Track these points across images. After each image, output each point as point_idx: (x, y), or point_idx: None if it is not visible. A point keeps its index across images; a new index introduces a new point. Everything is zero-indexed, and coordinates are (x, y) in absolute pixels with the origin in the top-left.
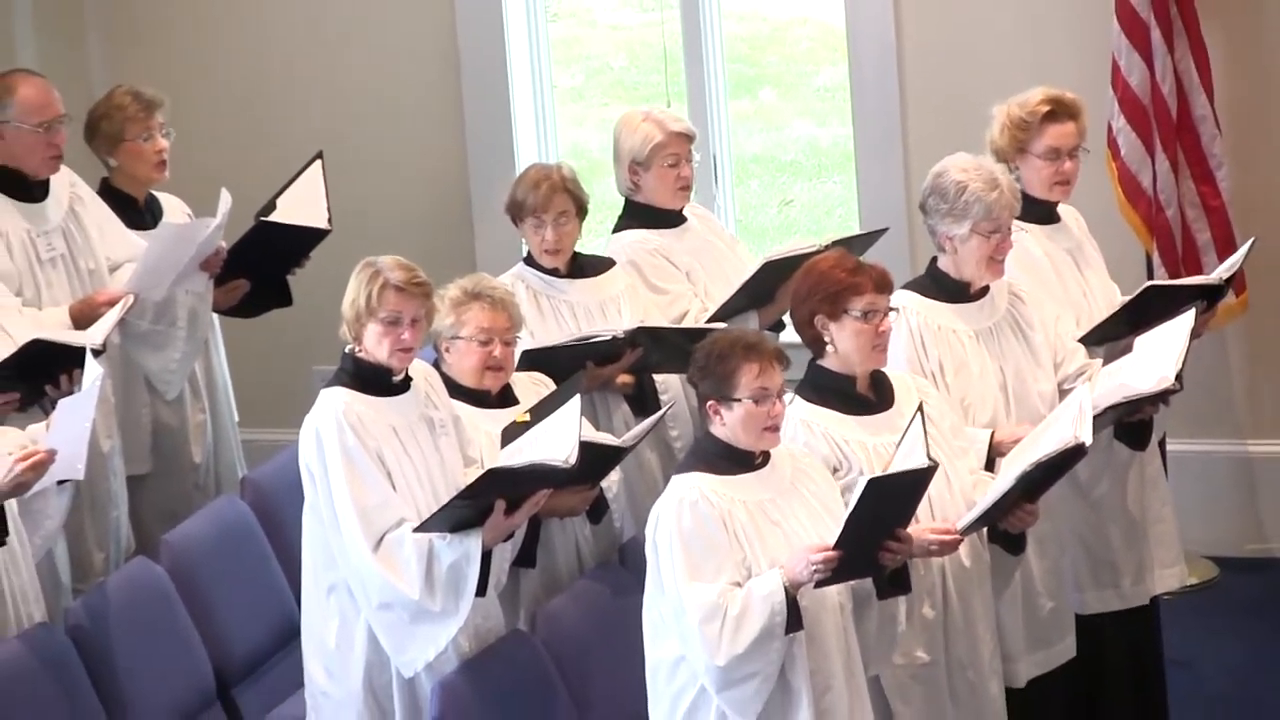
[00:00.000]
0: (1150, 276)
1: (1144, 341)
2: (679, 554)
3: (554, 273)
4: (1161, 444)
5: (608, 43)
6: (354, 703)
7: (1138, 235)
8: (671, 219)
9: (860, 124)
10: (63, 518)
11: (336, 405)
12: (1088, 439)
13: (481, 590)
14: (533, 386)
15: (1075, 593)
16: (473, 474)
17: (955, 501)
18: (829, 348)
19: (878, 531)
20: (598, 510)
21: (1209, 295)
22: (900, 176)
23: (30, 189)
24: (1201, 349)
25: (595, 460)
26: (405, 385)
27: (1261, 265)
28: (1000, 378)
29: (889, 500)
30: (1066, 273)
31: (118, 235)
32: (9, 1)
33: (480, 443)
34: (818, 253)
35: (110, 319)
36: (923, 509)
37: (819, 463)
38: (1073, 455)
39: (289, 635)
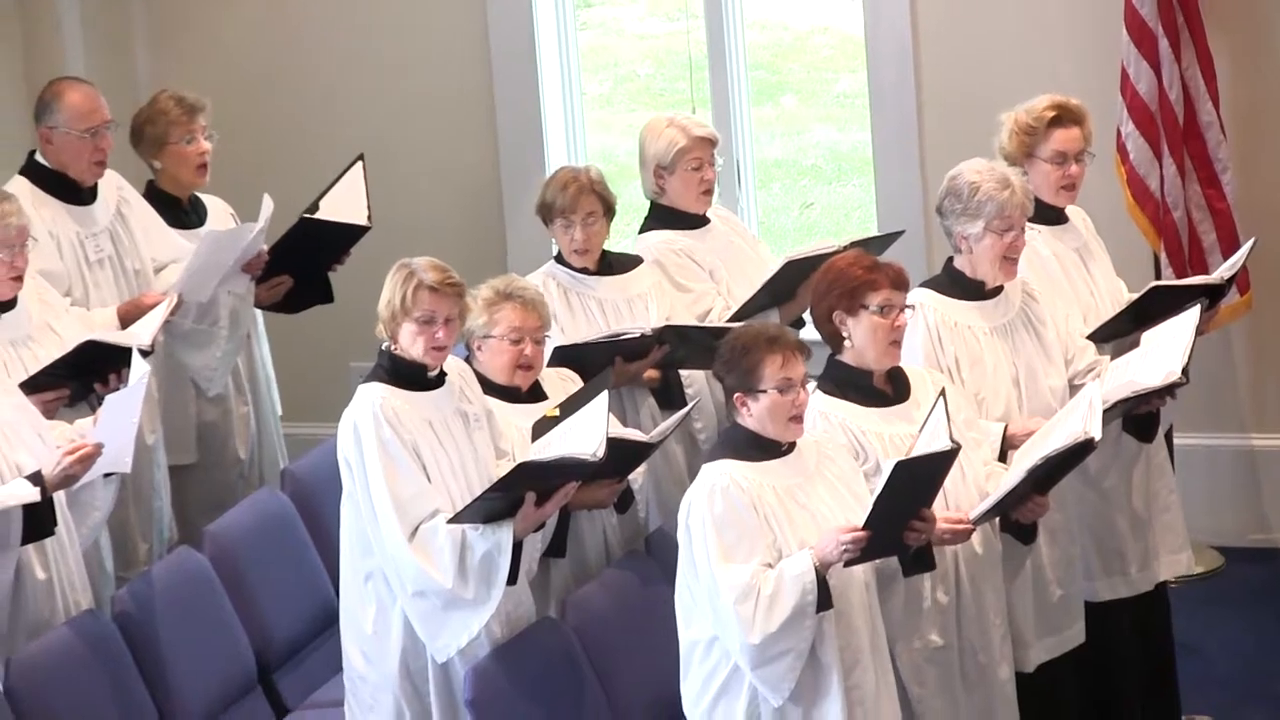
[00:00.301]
0: (1158, 276)
1: (1151, 337)
2: (712, 537)
3: (583, 271)
4: (1168, 436)
5: (635, 51)
6: (390, 686)
7: (1146, 236)
8: (695, 221)
9: (878, 130)
10: (109, 509)
11: (374, 400)
12: (1097, 434)
13: (513, 579)
14: (560, 382)
15: (1085, 581)
16: (504, 467)
17: (969, 491)
18: (846, 343)
19: (903, 512)
20: (624, 501)
21: (1211, 295)
22: (917, 180)
23: (79, 192)
24: (1207, 346)
25: (624, 455)
26: (440, 380)
27: (1265, 265)
28: (1013, 373)
29: (914, 482)
30: (1074, 272)
31: (162, 237)
32: (58, 12)
33: (511, 437)
34: (837, 253)
35: (156, 319)
36: (938, 499)
37: (842, 448)
38: (1082, 450)
39: (327, 621)
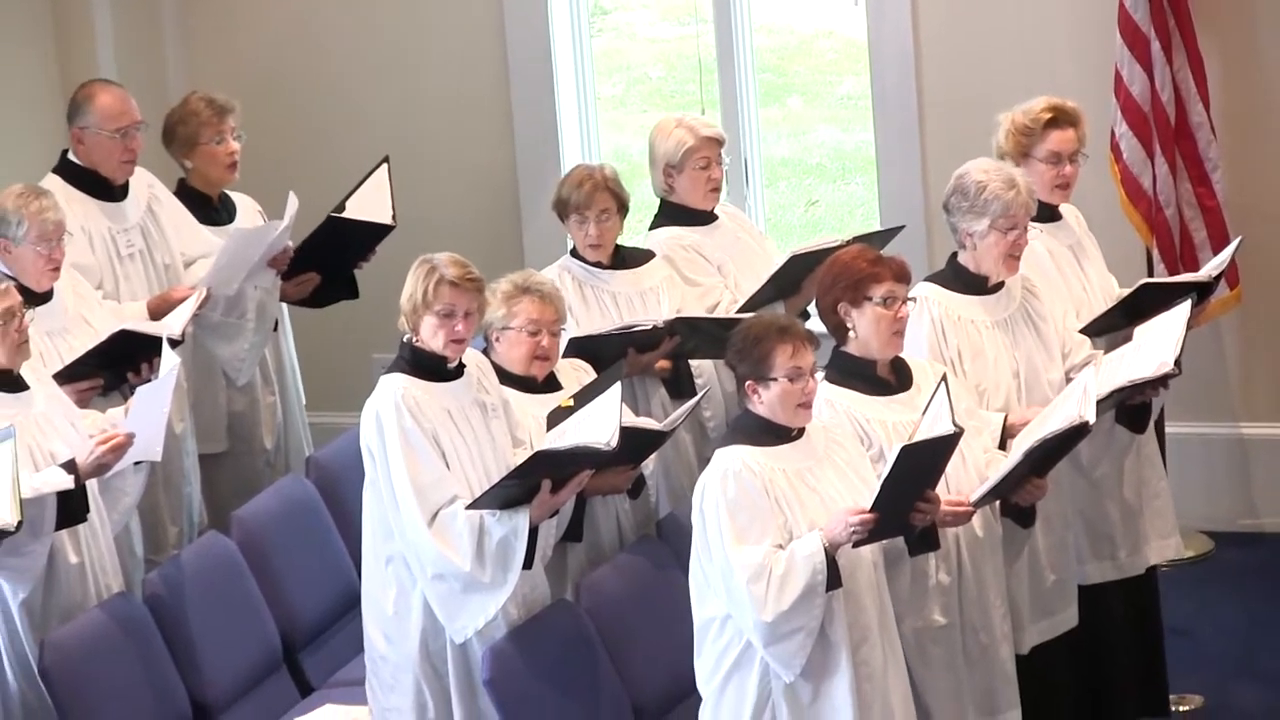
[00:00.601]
0: (1150, 272)
1: (1144, 330)
2: (725, 520)
3: (597, 265)
4: (1159, 426)
5: (646, 54)
6: (410, 666)
7: (1139, 233)
8: (704, 218)
9: (881, 130)
10: (139, 495)
11: (395, 390)
12: (1091, 418)
13: (529, 563)
14: (574, 373)
15: (1077, 565)
16: (521, 455)
17: (970, 477)
18: (851, 334)
19: (909, 494)
20: (636, 487)
21: (1200, 290)
22: (918, 179)
23: (111, 189)
24: (1198, 338)
25: (638, 443)
26: (459, 372)
27: (1254, 261)
28: (1014, 365)
29: (919, 465)
30: (1067, 268)
31: (192, 233)
32: (91, 16)
33: (528, 426)
34: (840, 247)
35: (186, 311)
36: (939, 484)
37: (850, 433)
38: (1077, 433)
39: (350, 604)
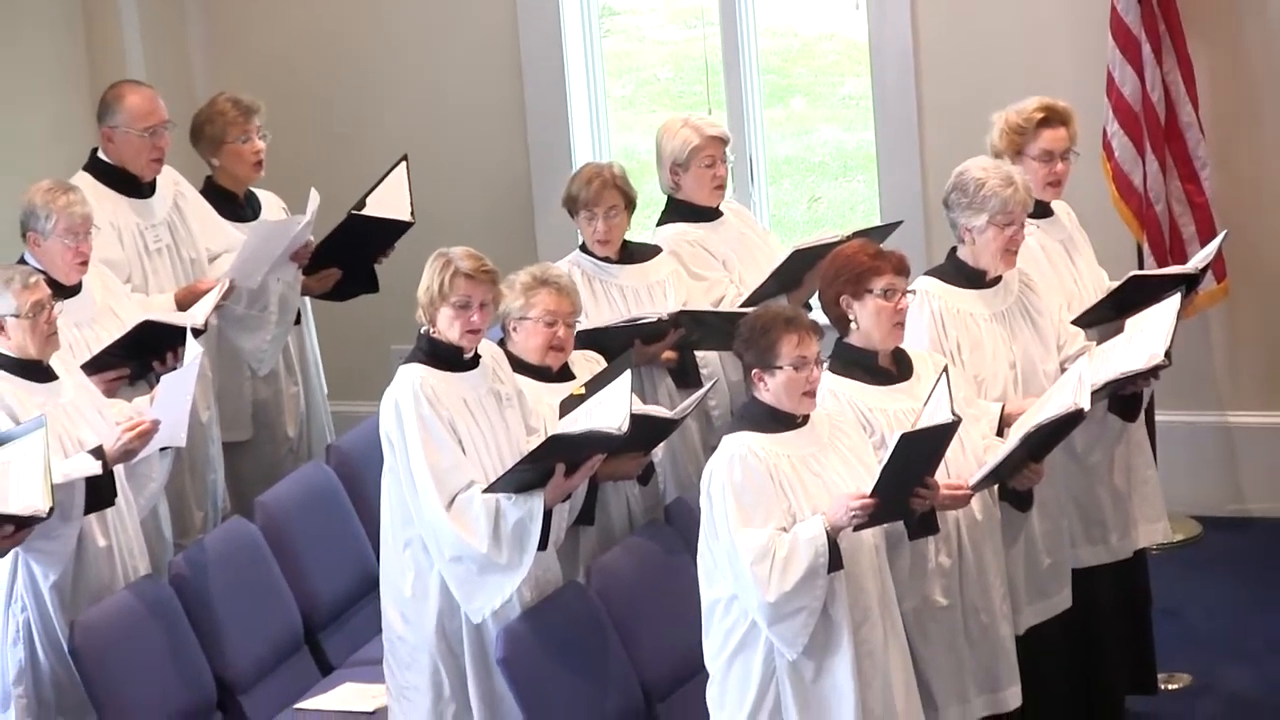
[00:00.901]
0: (1141, 266)
1: (1135, 323)
2: (731, 503)
3: (605, 259)
4: (1149, 414)
5: (655, 56)
6: (427, 646)
7: (1130, 228)
8: (709, 214)
9: (881, 129)
10: (164, 480)
11: (413, 380)
12: (1086, 405)
13: (543, 545)
14: (586, 363)
15: (1070, 548)
16: (535, 441)
17: (968, 462)
18: (853, 325)
19: (909, 480)
20: (646, 473)
21: (1188, 283)
22: (917, 176)
23: (139, 186)
24: (1186, 330)
25: (649, 430)
26: (475, 362)
27: (1241, 255)
28: (1011, 357)
29: (918, 452)
30: (1059, 262)
31: (216, 228)
32: (119, 18)
33: (542, 413)
34: (841, 242)
35: (209, 301)
36: (939, 470)
37: (853, 421)
38: (1072, 419)
39: (369, 586)
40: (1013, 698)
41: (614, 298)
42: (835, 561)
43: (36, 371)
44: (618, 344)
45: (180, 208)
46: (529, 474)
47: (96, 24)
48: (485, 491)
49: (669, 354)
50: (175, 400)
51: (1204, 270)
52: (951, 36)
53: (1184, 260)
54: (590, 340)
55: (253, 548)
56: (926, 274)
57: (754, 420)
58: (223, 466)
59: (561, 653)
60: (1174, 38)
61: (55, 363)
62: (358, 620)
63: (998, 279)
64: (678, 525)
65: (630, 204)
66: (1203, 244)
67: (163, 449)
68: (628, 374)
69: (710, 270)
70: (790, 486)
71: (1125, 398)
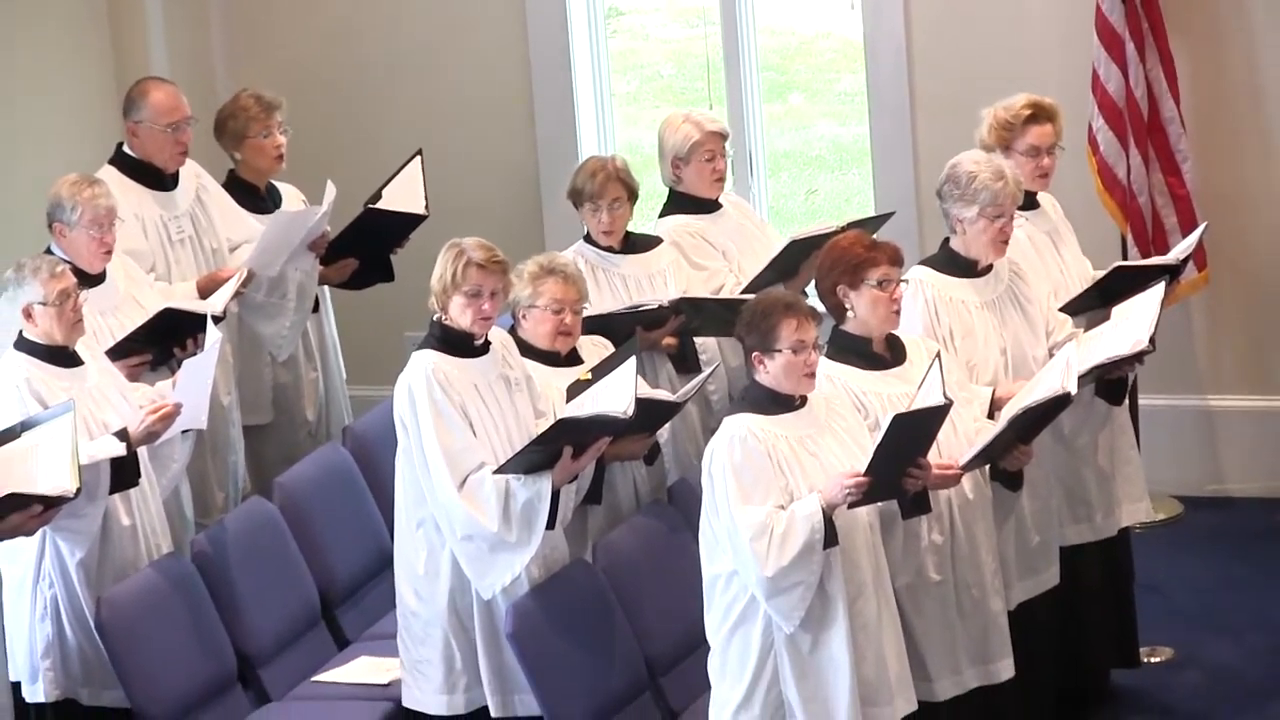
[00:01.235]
0: (1125, 256)
1: (1121, 311)
2: (731, 482)
3: (609, 250)
4: (1132, 397)
5: (658, 54)
6: (439, 621)
7: (1114, 219)
8: (709, 206)
9: (876, 124)
10: (186, 461)
11: (426, 365)
12: (1073, 389)
13: (551, 524)
14: (594, 349)
15: (1057, 527)
16: (543, 424)
17: (960, 444)
18: (849, 314)
19: (902, 460)
20: (652, 453)
21: (1170, 273)
22: (910, 169)
23: (162, 179)
24: (1169, 317)
25: (653, 413)
26: (485, 348)
27: (1221, 245)
28: (1001, 343)
29: (911, 433)
30: (1046, 252)
31: (237, 219)
32: (144, 17)
33: (550, 397)
34: (836, 233)
35: (229, 289)
36: (931, 451)
37: (849, 403)
38: (1060, 403)
39: (383, 564)
40: (1004, 669)
41: (617, 286)
42: (831, 538)
43: (63, 357)
44: (621, 330)
45: (202, 200)
46: (538, 455)
47: (122, 23)
48: (495, 473)
49: (670, 340)
50: (196, 384)
51: (1185, 260)
52: (943, 35)
53: (1165, 250)
54: (593, 326)
55: (272, 527)
56: (920, 263)
57: (754, 402)
58: (243, 449)
59: (569, 628)
60: (1156, 36)
61: (81, 349)
62: (373, 596)
63: (989, 268)
64: (680, 505)
65: (633, 196)
66: (1184, 234)
67: (184, 431)
68: (633, 359)
69: (710, 260)
70: (788, 466)
71: (1111, 382)
